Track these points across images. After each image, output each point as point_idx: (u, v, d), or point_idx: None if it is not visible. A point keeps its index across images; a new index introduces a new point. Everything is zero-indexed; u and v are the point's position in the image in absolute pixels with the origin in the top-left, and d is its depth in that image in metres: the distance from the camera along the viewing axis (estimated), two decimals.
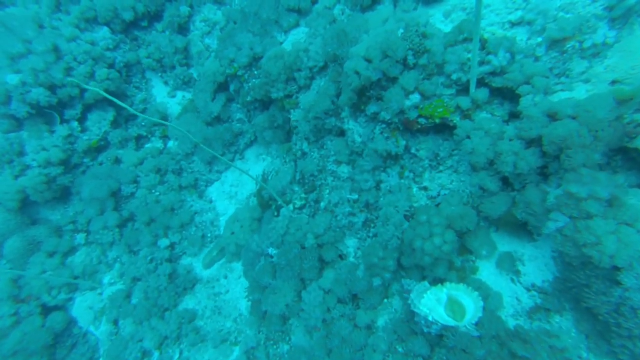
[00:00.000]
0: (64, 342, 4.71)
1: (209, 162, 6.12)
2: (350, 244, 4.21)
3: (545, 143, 2.69)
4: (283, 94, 4.97)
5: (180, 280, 5.28)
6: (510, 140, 3.00)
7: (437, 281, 3.30)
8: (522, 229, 3.20)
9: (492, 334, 2.89)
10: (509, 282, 3.10)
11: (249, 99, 5.44)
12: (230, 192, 6.20)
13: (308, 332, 3.95)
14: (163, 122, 3.36)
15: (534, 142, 2.93)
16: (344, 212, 4.16)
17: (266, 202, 5.29)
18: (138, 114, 3.34)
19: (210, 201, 6.16)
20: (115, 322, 5.05)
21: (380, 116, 3.88)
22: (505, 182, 3.26)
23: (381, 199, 3.88)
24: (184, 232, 5.71)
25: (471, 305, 3.07)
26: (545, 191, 2.77)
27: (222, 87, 5.90)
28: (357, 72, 3.70)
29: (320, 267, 4.21)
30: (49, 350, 4.57)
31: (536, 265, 2.97)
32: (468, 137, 3.25)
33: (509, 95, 3.38)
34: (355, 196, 4.13)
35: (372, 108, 3.91)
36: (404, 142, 3.84)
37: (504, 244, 3.27)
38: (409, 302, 3.23)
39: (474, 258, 3.32)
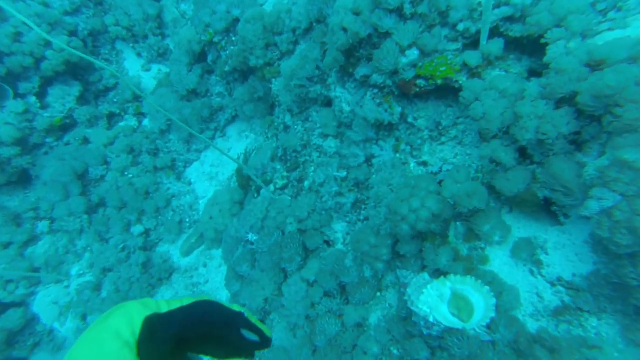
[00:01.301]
0: (24, 342, 4.10)
1: (186, 141, 5.41)
2: (339, 229, 3.56)
3: (583, 100, 2.01)
4: (263, 62, 4.24)
5: (155, 270, 4.64)
6: (532, 101, 2.31)
7: (439, 273, 2.66)
8: (543, 210, 2.54)
9: (509, 339, 2.26)
10: (528, 274, 2.45)
11: (226, 68, 4.70)
12: (210, 173, 5.51)
13: (290, 329, 3.33)
14: (138, 91, 2.66)
15: (563, 103, 2.25)
16: (331, 192, 3.49)
17: (246, 183, 4.61)
18: (115, 73, 2.62)
19: (189, 183, 5.48)
20: (84, 318, 4.42)
21: (371, 80, 3.17)
22: (522, 153, 2.58)
23: (373, 176, 3.20)
24: (159, 217, 5.05)
25: (481, 303, 2.43)
26: (580, 162, 2.10)
27: (199, 58, 5.15)
28: (343, 28, 2.98)
29: (304, 255, 3.56)
30: (3, 353, 3.95)
31: (563, 255, 2.32)
32: (477, 99, 2.56)
33: (528, 47, 2.66)
34: (343, 173, 3.45)
35: (361, 70, 3.20)
36: (399, 109, 3.14)
37: (520, 227, 2.61)
38: (405, 298, 2.59)
39: (483, 245, 2.67)
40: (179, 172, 5.44)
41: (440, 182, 2.66)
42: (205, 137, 4.57)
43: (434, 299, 2.49)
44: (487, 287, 2.42)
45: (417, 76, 2.88)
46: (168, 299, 0.70)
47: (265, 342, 0.73)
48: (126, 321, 0.61)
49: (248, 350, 0.71)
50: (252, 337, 0.71)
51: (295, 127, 4.15)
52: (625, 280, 1.84)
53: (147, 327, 0.60)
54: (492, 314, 2.33)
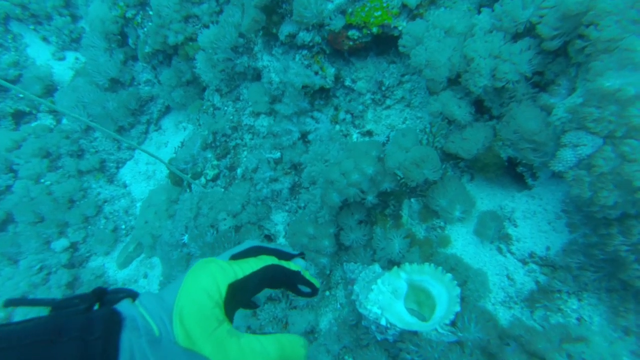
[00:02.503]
0: None
1: (116, 138, 4.73)
2: (279, 220, 3.01)
3: (546, 30, 1.52)
4: (183, 37, 3.60)
5: (85, 289, 3.98)
6: (485, 36, 1.82)
7: (393, 264, 2.16)
8: (509, 173, 2.08)
9: (478, 337, 1.78)
10: (496, 253, 1.98)
11: (147, 50, 4.02)
12: (147, 172, 4.84)
13: None
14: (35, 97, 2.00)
15: (522, 36, 1.76)
16: (265, 178, 2.93)
17: (180, 179, 4.00)
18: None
19: (124, 185, 4.80)
20: None
21: (298, 39, 2.62)
22: (479, 108, 2.10)
23: (304, 155, 2.66)
24: (89, 227, 4.37)
25: (443, 295, 1.94)
26: (546, 106, 1.61)
27: (121, 41, 4.45)
28: None
29: None
30: None
31: (535, 225, 1.85)
32: (420, 44, 2.04)
33: None
34: (277, 154, 2.90)
35: (286, 29, 2.64)
36: (332, 71, 2.60)
37: (484, 198, 2.13)
38: (353, 297, 2.09)
39: (442, 223, 2.18)
40: (111, 174, 4.75)
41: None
42: (123, 138, 3.94)
43: (386, 297, 1.98)
44: (449, 276, 1.93)
45: (349, 26, 2.34)
46: (239, 261, 0.72)
47: (315, 292, 0.82)
48: (214, 284, 0.65)
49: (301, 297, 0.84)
50: (306, 289, 0.81)
51: (226, 108, 3.56)
52: (614, 252, 1.38)
53: (231, 292, 0.66)
54: (457, 308, 1.85)
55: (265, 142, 3.08)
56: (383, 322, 1.89)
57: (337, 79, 2.66)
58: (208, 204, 3.28)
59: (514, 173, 2.10)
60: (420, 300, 2.09)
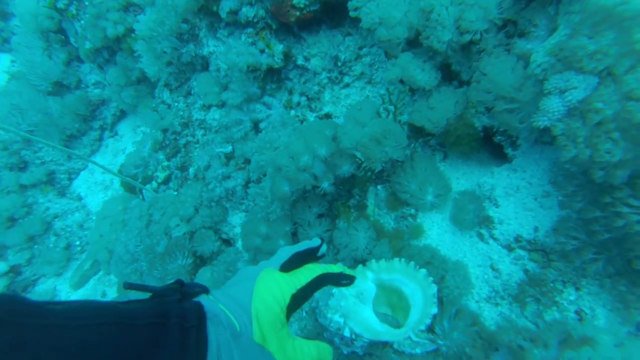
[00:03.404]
0: None
1: (65, 147, 4.29)
2: (237, 222, 2.64)
3: None
4: (124, 29, 3.23)
5: None
6: None
7: (358, 262, 1.82)
8: (487, 149, 1.77)
9: (460, 344, 1.45)
10: (476, 240, 1.66)
11: (88, 46, 3.63)
12: (104, 182, 4.41)
13: None
14: None
15: None
16: (217, 175, 2.57)
17: (132, 186, 3.60)
18: None
19: (79, 198, 4.35)
20: None
21: (241, 16, 2.28)
22: (447, 73, 1.79)
23: (249, 143, 2.31)
24: (36, 247, 3.92)
25: (418, 295, 1.61)
26: (523, 53, 1.31)
27: (63, 41, 4.04)
28: None
29: (198, 263, 2.64)
30: None
31: (519, 203, 1.54)
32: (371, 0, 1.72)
33: None
34: (229, 148, 2.54)
35: (226, 4, 2.30)
36: (281, 48, 2.26)
37: (460, 178, 1.82)
38: (314, 305, 1.74)
39: (413, 211, 1.85)
40: (62, 187, 4.29)
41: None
42: (56, 145, 3.54)
43: (350, 301, 1.64)
44: (422, 271, 1.60)
45: None
46: (294, 272, 0.81)
47: (352, 281, 0.90)
48: (281, 293, 0.74)
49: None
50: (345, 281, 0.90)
51: (177, 104, 3.19)
52: (622, 226, 1.07)
53: (292, 301, 0.74)
54: (434, 310, 1.52)
55: (217, 137, 2.73)
56: (347, 332, 1.54)
57: (288, 57, 2.32)
58: (160, 209, 2.90)
59: (492, 148, 1.79)
60: (392, 303, 1.75)
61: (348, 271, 0.92)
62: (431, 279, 1.58)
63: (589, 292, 1.30)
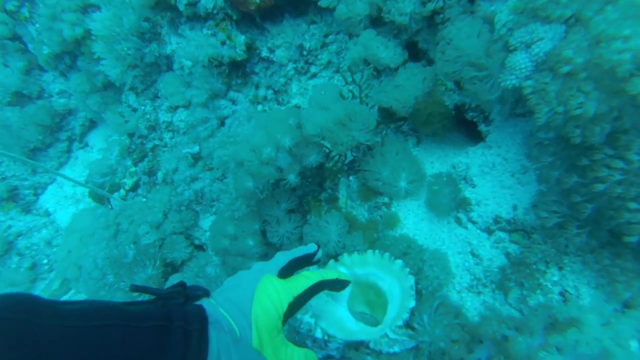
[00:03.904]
0: None
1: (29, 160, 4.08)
2: (208, 226, 2.49)
3: None
4: (82, 30, 3.09)
5: None
6: None
7: (330, 257, 1.69)
8: (461, 128, 1.68)
9: (442, 339, 1.33)
10: (455, 226, 1.55)
11: (46, 51, 3.47)
12: (75, 195, 4.19)
13: None
14: None
15: None
16: (185, 178, 2.42)
17: (101, 196, 3.42)
18: None
19: (47, 214, 4.14)
20: None
21: (200, 7, 2.17)
22: (414, 53, 1.70)
23: (210, 139, 2.19)
24: None
25: (395, 289, 1.49)
26: (487, 16, 1.21)
27: (23, 49, 3.87)
28: None
29: (170, 272, 2.48)
30: None
31: (496, 181, 1.44)
32: None
33: None
34: (196, 148, 2.41)
35: None
36: (243, 39, 2.15)
37: (435, 162, 1.72)
38: None
39: (387, 199, 1.74)
40: (27, 203, 4.08)
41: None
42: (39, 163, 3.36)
43: (321, 300, 1.51)
44: (398, 263, 1.49)
45: None
46: (291, 280, 0.83)
47: (346, 285, 0.97)
48: (279, 300, 0.76)
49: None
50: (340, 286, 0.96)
51: (143, 107, 3.05)
52: (604, 191, 0.97)
53: (289, 308, 0.77)
54: (412, 304, 1.40)
55: (184, 138, 2.59)
56: (319, 334, 1.41)
57: (251, 49, 2.21)
58: (127, 217, 2.74)
59: (466, 129, 1.70)
60: (370, 300, 1.63)
61: (343, 276, 0.98)
62: (408, 270, 1.46)
63: (572, 270, 1.20)
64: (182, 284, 0.71)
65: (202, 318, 0.63)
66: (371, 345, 1.36)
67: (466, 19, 1.20)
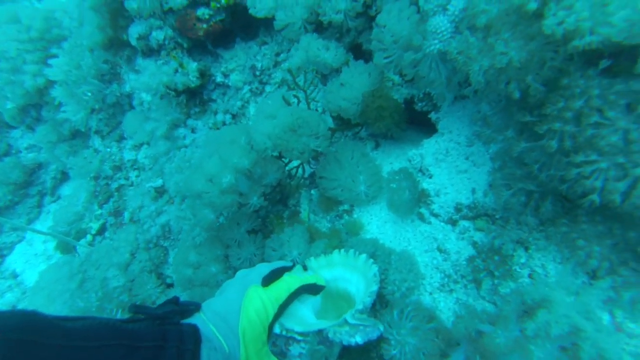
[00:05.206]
0: None
1: None
2: None
3: None
4: (45, 80, 3.09)
5: None
6: None
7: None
8: (420, 126, 1.64)
9: (418, 349, 1.19)
10: (418, 223, 1.46)
11: (10, 106, 3.45)
12: (46, 252, 3.99)
13: None
14: None
15: None
16: (150, 213, 2.32)
17: (68, 246, 3.26)
18: None
19: (14, 275, 3.92)
20: None
21: (152, 40, 2.19)
22: (359, 54, 1.69)
23: (166, 164, 2.11)
24: None
25: (361, 285, 1.36)
26: None
27: None
28: None
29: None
30: None
31: (451, 167, 1.37)
32: None
33: None
34: (159, 182, 2.33)
35: (134, 30, 2.21)
36: (195, 65, 2.15)
37: (394, 162, 1.66)
38: None
39: (348, 206, 1.65)
40: None
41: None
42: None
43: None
44: (362, 257, 1.37)
45: (194, 3, 1.94)
46: (274, 287, 0.95)
47: (321, 289, 1.16)
48: (264, 311, 0.86)
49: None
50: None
51: (109, 149, 2.99)
52: (559, 149, 0.90)
53: (274, 318, 0.88)
54: (374, 288, 1.26)
55: (149, 173, 2.52)
56: (276, 329, 1.25)
57: (205, 75, 2.21)
58: (93, 263, 2.59)
59: (427, 128, 1.66)
60: (343, 311, 1.49)
61: (321, 281, 1.12)
62: (372, 261, 1.35)
63: (537, 247, 1.11)
64: (175, 300, 0.77)
65: (195, 338, 0.70)
66: (330, 335, 1.19)
67: (395, 2, 1.19)
